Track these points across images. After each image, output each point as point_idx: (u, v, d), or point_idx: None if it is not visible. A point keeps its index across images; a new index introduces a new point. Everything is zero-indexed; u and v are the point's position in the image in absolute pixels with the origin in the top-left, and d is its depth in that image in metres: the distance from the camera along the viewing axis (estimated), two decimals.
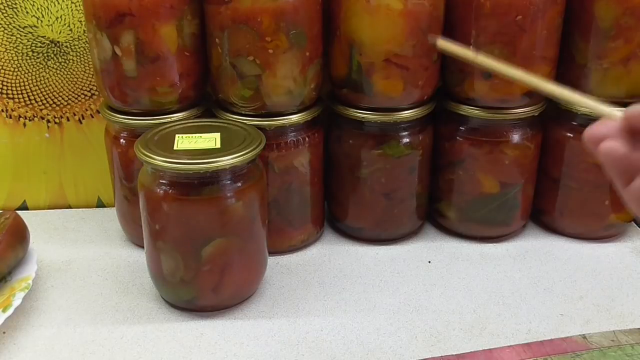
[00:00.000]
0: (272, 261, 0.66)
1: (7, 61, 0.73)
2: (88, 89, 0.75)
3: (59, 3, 0.71)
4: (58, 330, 0.57)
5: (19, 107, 0.75)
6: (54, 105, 0.75)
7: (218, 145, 0.56)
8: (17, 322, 0.57)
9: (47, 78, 0.74)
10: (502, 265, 0.67)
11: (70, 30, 0.72)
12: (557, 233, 0.73)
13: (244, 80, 0.61)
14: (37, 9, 0.71)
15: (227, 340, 0.56)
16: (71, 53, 0.73)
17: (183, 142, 0.56)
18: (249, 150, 0.55)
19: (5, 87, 0.74)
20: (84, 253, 0.69)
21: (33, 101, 0.75)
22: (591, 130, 0.35)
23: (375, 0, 0.59)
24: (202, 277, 0.56)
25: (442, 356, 0.53)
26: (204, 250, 0.55)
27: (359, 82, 0.63)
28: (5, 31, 0.72)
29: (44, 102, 0.75)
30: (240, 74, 0.61)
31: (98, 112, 0.75)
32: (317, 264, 0.67)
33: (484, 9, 0.61)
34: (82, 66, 0.74)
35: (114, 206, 0.72)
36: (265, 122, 0.63)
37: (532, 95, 0.65)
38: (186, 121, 0.62)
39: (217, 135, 0.58)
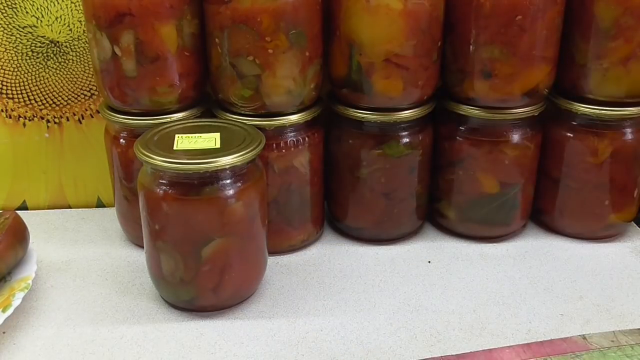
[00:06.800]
0: (272, 261, 0.66)
1: (7, 61, 0.73)
2: (88, 89, 0.75)
3: (58, 3, 0.71)
4: (58, 330, 0.57)
5: (18, 107, 0.75)
6: (54, 105, 0.75)
7: (218, 145, 0.56)
8: (17, 322, 0.57)
9: (47, 78, 0.74)
10: (502, 265, 0.67)
11: (70, 30, 0.72)
12: (557, 233, 0.73)
13: (244, 80, 0.61)
14: (37, 9, 0.71)
15: (227, 340, 0.56)
16: (71, 53, 0.73)
17: (183, 142, 0.56)
18: (248, 150, 0.55)
19: (4, 87, 0.74)
20: (84, 253, 0.69)
21: (33, 101, 0.75)
22: None
23: (375, 0, 0.59)
24: (201, 277, 0.56)
25: (442, 356, 0.53)
26: (204, 250, 0.55)
27: (359, 82, 0.63)
28: (5, 31, 0.72)
29: (44, 102, 0.75)
30: (240, 74, 0.61)
31: (98, 112, 0.75)
32: (317, 264, 0.67)
33: (484, 9, 0.61)
34: (82, 66, 0.74)
35: (113, 206, 0.72)
36: (265, 122, 0.63)
37: (532, 95, 0.65)
38: (186, 121, 0.62)
39: (217, 135, 0.58)
